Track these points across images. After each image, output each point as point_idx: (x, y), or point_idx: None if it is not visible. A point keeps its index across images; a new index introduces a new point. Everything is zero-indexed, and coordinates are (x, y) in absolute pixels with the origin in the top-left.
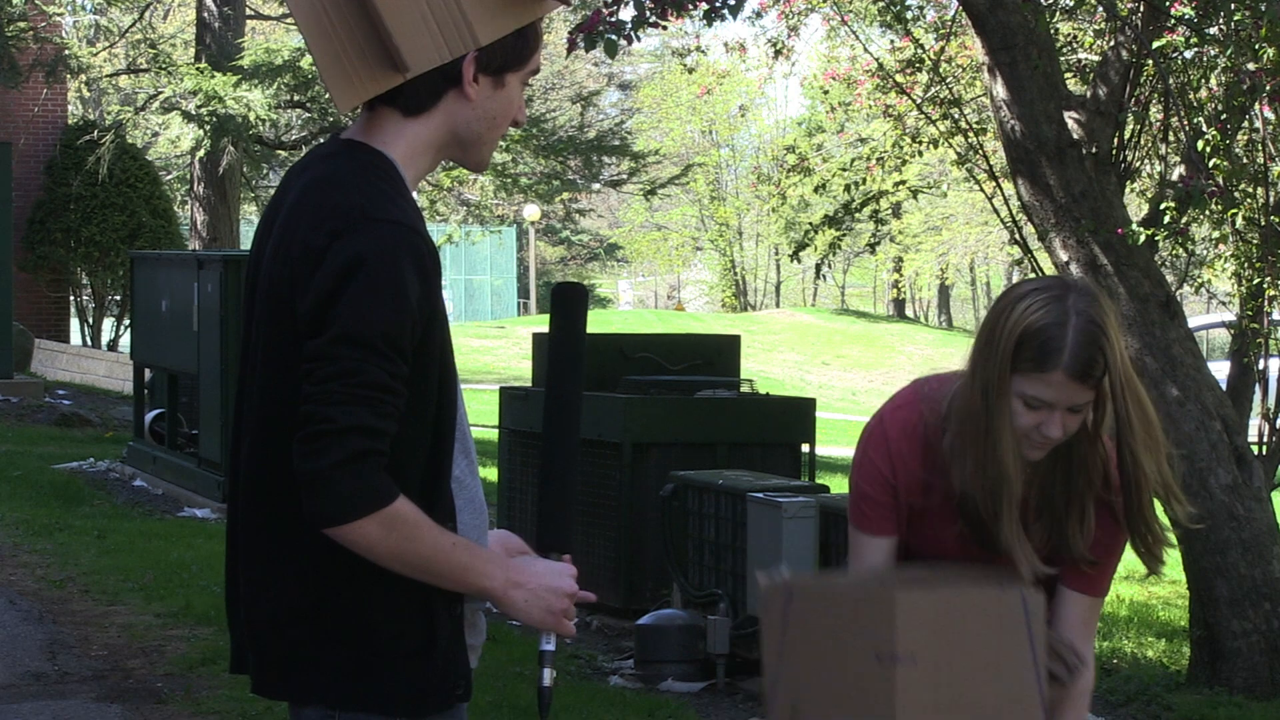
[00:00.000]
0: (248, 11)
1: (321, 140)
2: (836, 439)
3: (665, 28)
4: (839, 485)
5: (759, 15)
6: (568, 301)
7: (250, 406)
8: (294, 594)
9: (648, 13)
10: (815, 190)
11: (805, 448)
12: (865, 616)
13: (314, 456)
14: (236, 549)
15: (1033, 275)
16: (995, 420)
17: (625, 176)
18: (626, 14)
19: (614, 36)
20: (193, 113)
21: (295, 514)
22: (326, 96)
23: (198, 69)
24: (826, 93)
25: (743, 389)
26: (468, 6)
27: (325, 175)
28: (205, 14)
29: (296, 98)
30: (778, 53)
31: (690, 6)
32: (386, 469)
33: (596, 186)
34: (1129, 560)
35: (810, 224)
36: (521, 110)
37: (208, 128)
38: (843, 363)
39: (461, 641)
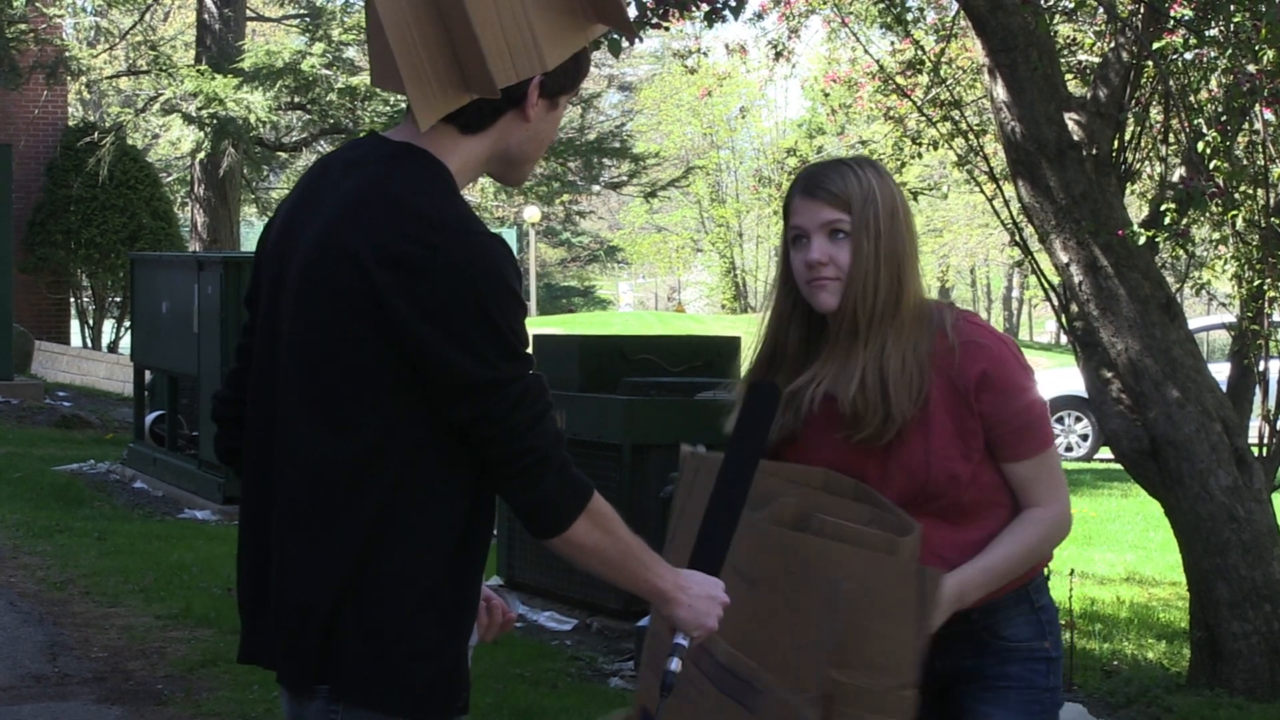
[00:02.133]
0: (248, 13)
1: (328, 140)
2: None
3: (667, 28)
4: None
5: (760, 17)
6: (763, 400)
7: (287, 398)
8: (323, 584)
9: (649, 14)
10: None
11: None
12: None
13: (532, 487)
14: (262, 536)
15: (1033, 277)
16: (780, 275)
17: (625, 178)
18: (629, 14)
19: (617, 36)
20: (193, 115)
21: (335, 506)
22: (328, 99)
23: (198, 71)
24: (827, 95)
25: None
26: (538, 30)
27: (392, 177)
28: (205, 16)
29: (297, 100)
30: (778, 55)
31: (692, 7)
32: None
33: (597, 188)
34: (1129, 562)
35: None
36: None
37: (208, 130)
38: None
39: (466, 652)
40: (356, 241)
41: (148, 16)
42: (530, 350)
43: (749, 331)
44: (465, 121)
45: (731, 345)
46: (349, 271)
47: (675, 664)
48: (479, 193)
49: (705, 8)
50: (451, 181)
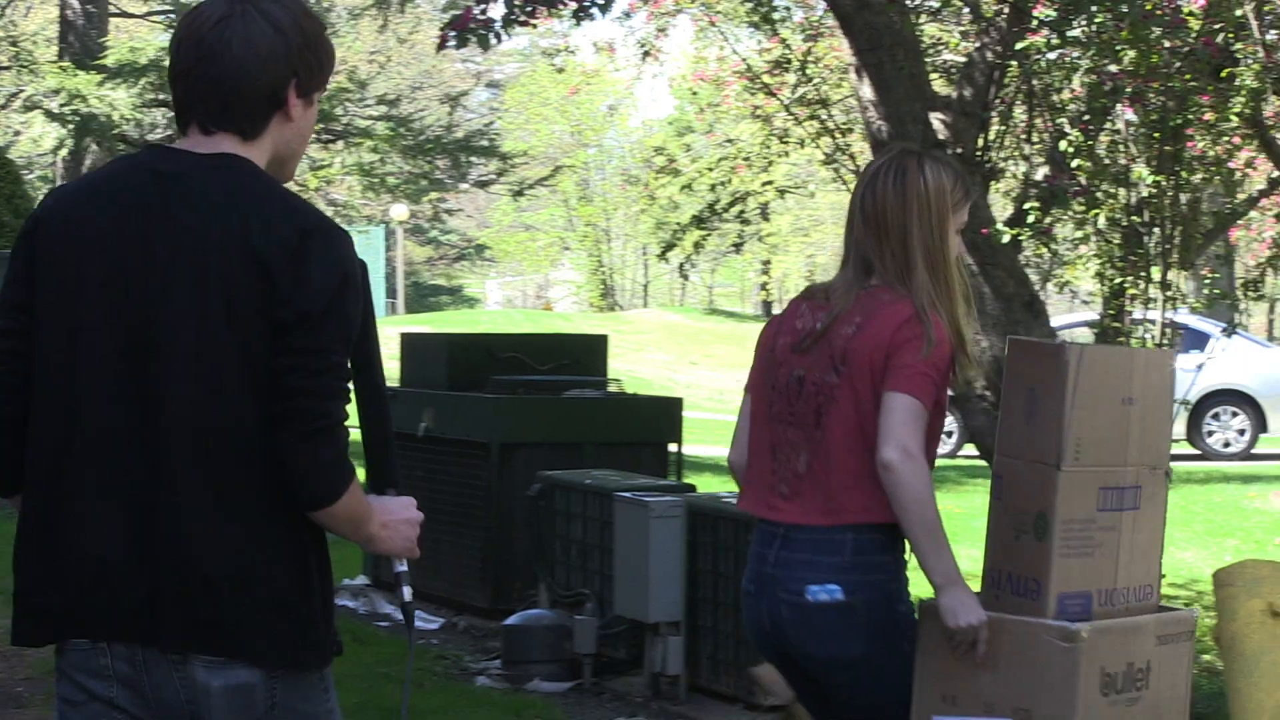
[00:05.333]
0: (112, 9)
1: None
2: (704, 438)
3: (535, 26)
4: (706, 484)
5: (628, 15)
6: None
7: (170, 382)
8: (235, 559)
9: (517, 11)
10: (682, 190)
11: (673, 447)
12: (1116, 372)
13: (317, 448)
14: (133, 513)
15: None
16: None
17: (493, 177)
18: (496, 11)
19: (485, 32)
20: (55, 112)
21: (242, 486)
22: None
23: (60, 67)
24: (695, 94)
25: (610, 389)
26: None
27: (256, 181)
28: (68, 12)
29: (161, 97)
30: (646, 53)
31: (559, 5)
32: None
33: (464, 186)
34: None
35: (678, 224)
36: None
37: (70, 127)
38: (711, 362)
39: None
40: (257, 240)
41: (8, 11)
42: (350, 344)
43: (616, 330)
44: (242, 130)
45: (599, 343)
46: (250, 266)
47: (408, 592)
48: (345, 190)
49: (573, 5)
50: (277, 180)
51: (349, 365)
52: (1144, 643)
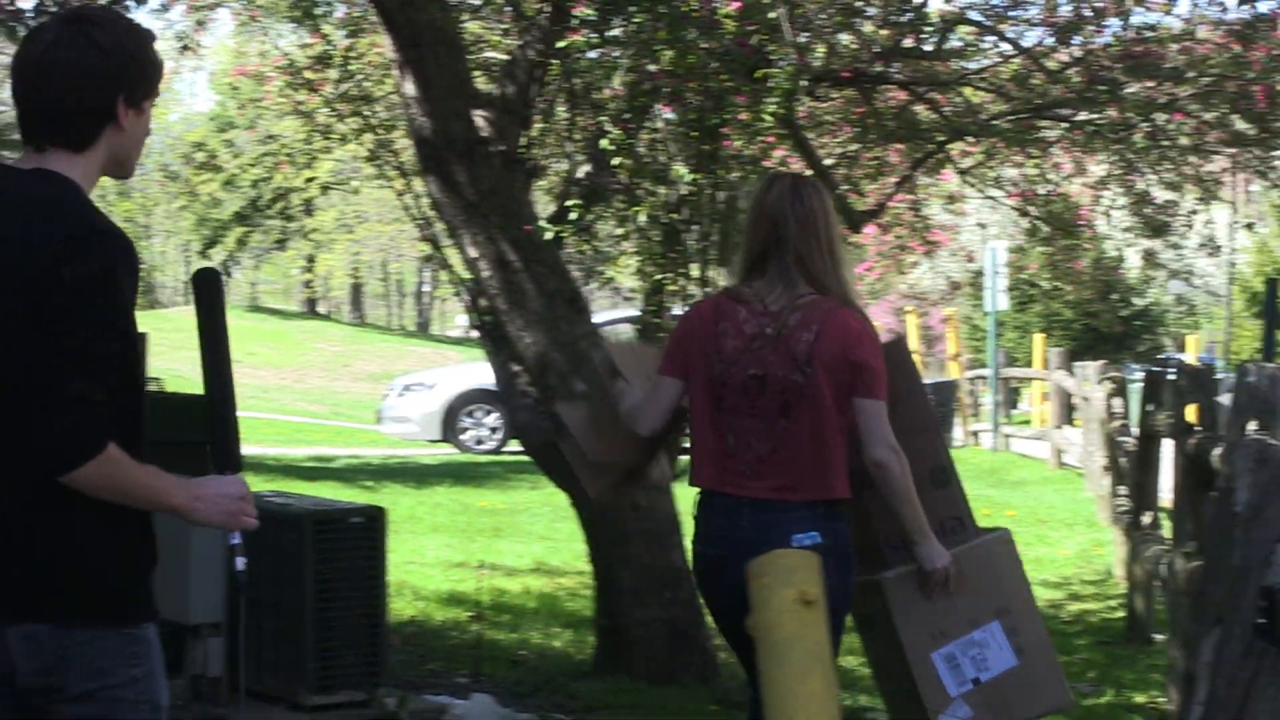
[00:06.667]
0: None
1: None
2: (246, 437)
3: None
4: (248, 483)
5: (165, 8)
6: (208, 286)
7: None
8: (59, 535)
9: (48, 2)
10: (224, 186)
11: None
12: None
13: (51, 417)
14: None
15: (443, 273)
16: None
17: None
18: (27, 2)
19: (14, 24)
20: None
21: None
22: None
23: None
24: (236, 89)
25: (150, 388)
26: None
27: (36, 197)
28: None
29: None
30: (185, 47)
31: None
32: (107, 422)
33: None
34: (537, 553)
35: (220, 221)
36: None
37: None
38: (254, 360)
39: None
40: (30, 248)
41: None
42: (113, 335)
43: (157, 328)
44: (73, 142)
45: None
46: (23, 274)
47: (241, 563)
48: None
49: None
50: (79, 191)
51: (108, 350)
52: None
